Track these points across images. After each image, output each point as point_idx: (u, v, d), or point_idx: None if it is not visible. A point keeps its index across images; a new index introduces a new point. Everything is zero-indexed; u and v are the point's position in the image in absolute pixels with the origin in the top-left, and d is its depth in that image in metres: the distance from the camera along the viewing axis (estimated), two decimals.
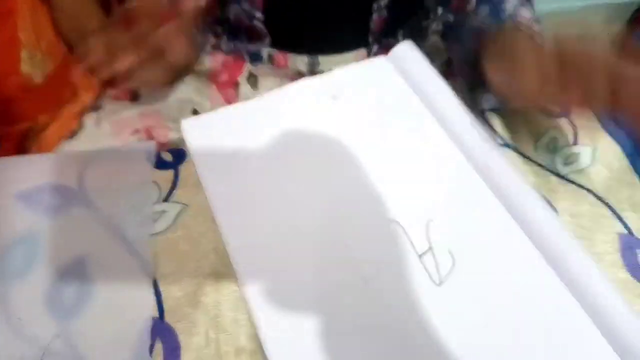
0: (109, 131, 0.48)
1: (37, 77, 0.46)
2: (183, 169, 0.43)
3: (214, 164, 0.40)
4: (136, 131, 0.48)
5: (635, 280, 0.39)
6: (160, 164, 0.43)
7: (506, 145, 0.46)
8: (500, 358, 0.34)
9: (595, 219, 0.42)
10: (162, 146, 0.45)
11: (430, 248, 0.40)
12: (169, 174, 0.43)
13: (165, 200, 0.41)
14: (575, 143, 0.47)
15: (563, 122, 0.47)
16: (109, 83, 0.44)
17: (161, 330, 0.35)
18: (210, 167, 0.40)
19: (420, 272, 0.39)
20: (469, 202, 0.42)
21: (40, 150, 0.47)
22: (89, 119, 0.50)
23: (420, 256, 0.39)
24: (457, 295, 0.37)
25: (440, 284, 0.39)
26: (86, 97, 0.49)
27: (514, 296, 0.37)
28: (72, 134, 0.48)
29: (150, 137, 0.49)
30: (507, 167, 0.41)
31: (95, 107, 0.50)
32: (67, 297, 0.35)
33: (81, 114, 0.49)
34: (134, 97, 0.50)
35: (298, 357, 0.34)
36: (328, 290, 0.36)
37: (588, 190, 0.44)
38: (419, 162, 0.43)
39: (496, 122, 0.48)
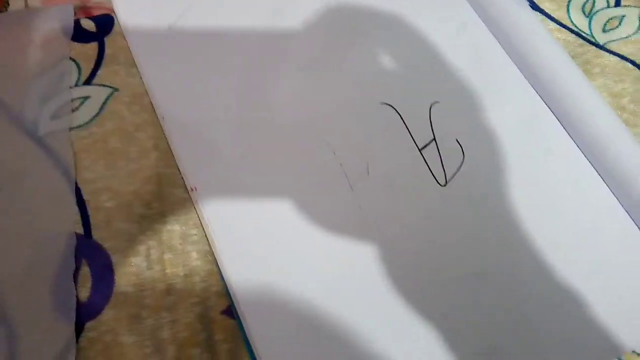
0: None
1: None
2: (110, 41, 0.35)
3: (153, 39, 0.34)
4: None
5: None
6: (80, 35, 0.34)
7: (532, 5, 0.40)
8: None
9: None
10: (83, 11, 0.35)
11: (433, 139, 0.35)
12: (91, 48, 0.34)
13: (87, 82, 0.33)
14: (617, 5, 0.41)
15: None
16: None
17: (88, 250, 0.28)
18: (148, 42, 0.34)
19: (421, 171, 0.33)
20: (486, 73, 0.37)
21: None
22: None
23: (421, 150, 0.34)
24: (465, 198, 0.32)
25: (446, 184, 0.33)
26: None
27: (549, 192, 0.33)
28: None
29: None
30: (537, 27, 0.37)
31: None
32: None
33: None
34: None
35: (263, 280, 0.28)
36: (306, 195, 0.31)
37: (633, 63, 0.39)
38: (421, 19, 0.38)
39: None
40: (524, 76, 0.37)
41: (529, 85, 0.37)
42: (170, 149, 0.31)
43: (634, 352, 0.27)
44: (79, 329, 0.26)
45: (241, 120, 0.32)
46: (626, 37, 0.39)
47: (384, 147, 0.33)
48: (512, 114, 0.35)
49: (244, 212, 0.29)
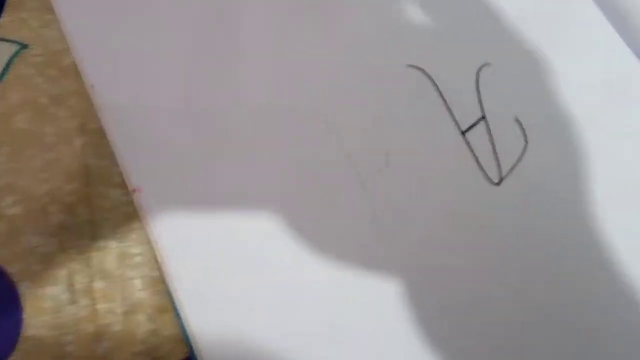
0: None
1: None
2: None
3: None
4: None
5: None
6: None
7: None
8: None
9: None
10: None
11: (482, 118, 0.32)
12: None
13: None
14: None
15: None
16: None
17: None
18: None
19: (464, 163, 0.31)
20: (558, 22, 0.34)
21: None
22: None
23: (464, 133, 0.31)
24: (528, 203, 0.30)
25: (500, 182, 0.30)
26: None
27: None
28: None
29: None
30: None
31: None
32: None
33: None
34: None
35: (235, 322, 0.26)
36: (296, 200, 0.29)
37: None
38: None
39: None
40: (613, 27, 0.34)
41: (621, 40, 0.34)
42: (104, 132, 0.29)
43: None
44: None
45: (205, 93, 0.30)
46: None
47: (410, 130, 0.31)
48: (595, 80, 0.33)
49: (208, 225, 0.27)
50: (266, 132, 0.30)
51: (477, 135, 0.31)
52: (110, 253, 0.27)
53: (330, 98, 0.31)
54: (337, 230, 0.28)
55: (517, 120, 0.31)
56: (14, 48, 0.30)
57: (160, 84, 0.30)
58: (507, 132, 0.31)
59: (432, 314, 0.27)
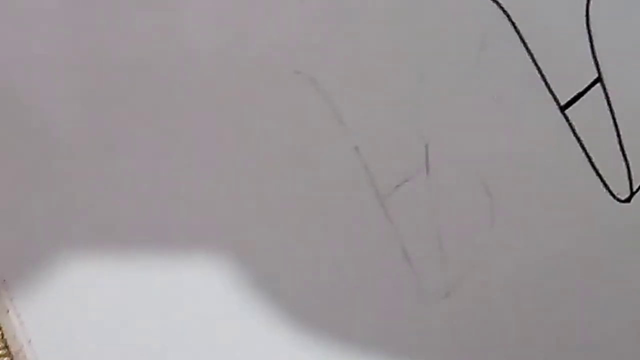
0: None
1: None
2: None
3: None
4: None
5: None
6: None
7: None
8: None
9: None
10: None
11: (598, 81, 0.23)
12: None
13: None
14: None
15: None
16: None
17: None
18: None
19: (565, 164, 0.23)
20: None
21: None
22: None
23: (564, 110, 0.23)
24: None
25: (631, 197, 0.23)
26: None
27: None
28: None
29: None
30: None
31: None
32: None
33: None
34: None
35: None
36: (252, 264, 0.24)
37: None
38: None
39: None
40: None
41: None
42: None
43: None
44: None
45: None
46: None
47: (464, 106, 0.23)
48: None
49: (98, 321, 0.23)
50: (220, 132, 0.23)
51: (587, 112, 0.23)
52: None
53: (316, 49, 0.24)
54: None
55: None
56: None
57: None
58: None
59: None
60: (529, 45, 0.23)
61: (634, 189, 0.23)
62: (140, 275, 0.24)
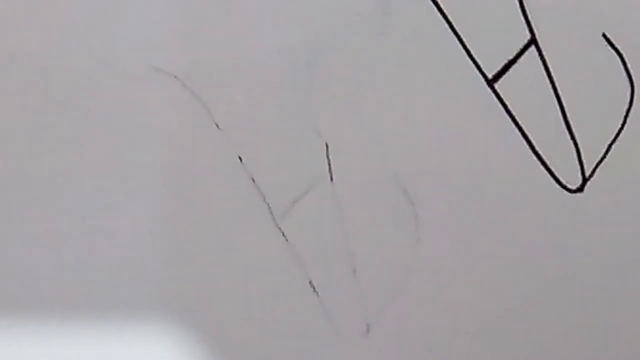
0: None
1: None
2: None
3: None
4: None
5: None
6: None
7: None
8: None
9: None
10: None
11: (532, 42, 0.21)
12: None
13: None
14: None
15: None
16: None
17: None
18: None
19: (503, 153, 0.21)
20: None
21: None
22: None
23: (492, 83, 0.20)
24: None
25: (583, 187, 0.20)
26: None
27: None
28: None
29: None
30: None
31: None
32: None
33: None
34: None
35: None
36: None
37: None
38: None
39: None
40: None
41: None
42: None
43: None
44: None
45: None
46: None
47: (373, 90, 0.19)
48: None
49: None
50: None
51: (516, 84, 0.20)
52: None
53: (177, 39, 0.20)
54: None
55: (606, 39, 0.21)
56: None
57: None
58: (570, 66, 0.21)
59: None
60: (443, 7, 0.21)
61: (587, 175, 0.20)
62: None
